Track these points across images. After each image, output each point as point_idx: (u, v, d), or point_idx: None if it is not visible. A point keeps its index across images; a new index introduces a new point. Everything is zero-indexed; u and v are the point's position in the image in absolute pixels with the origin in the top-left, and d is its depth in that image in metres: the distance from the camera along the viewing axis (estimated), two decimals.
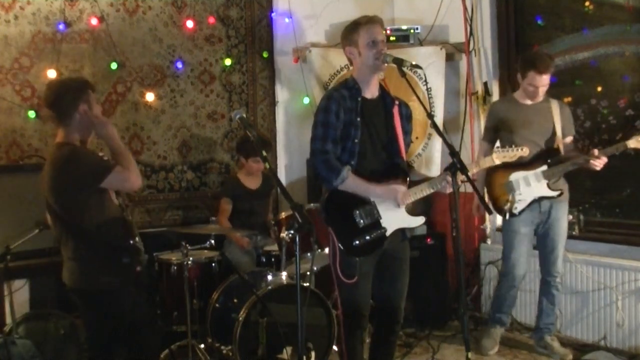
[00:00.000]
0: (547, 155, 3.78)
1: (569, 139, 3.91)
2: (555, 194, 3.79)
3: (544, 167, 3.76)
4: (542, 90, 3.79)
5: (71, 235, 2.77)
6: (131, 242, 2.85)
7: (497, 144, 3.96)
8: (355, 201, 2.92)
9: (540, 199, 3.80)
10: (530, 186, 3.78)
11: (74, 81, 2.97)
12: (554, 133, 3.83)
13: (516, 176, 3.80)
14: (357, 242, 2.89)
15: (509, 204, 3.81)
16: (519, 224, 3.86)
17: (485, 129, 4.13)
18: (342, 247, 2.90)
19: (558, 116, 3.84)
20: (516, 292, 4.06)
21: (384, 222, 2.95)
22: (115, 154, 2.81)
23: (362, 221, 2.91)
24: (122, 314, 2.82)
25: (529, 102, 3.87)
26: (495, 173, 3.84)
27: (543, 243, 3.96)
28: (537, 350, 4.08)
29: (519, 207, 3.80)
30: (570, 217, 4.29)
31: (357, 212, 2.91)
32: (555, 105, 3.87)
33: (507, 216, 3.84)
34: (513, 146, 3.27)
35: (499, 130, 3.95)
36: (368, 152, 2.97)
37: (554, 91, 4.52)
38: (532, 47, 4.66)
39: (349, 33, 2.98)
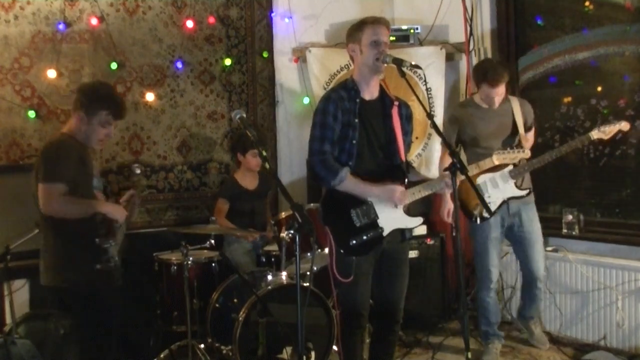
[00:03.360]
0: None
1: (531, 133, 3.95)
2: (524, 193, 3.77)
3: (510, 167, 3.74)
4: (498, 99, 3.79)
5: (44, 226, 2.83)
6: (96, 240, 2.86)
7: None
8: (352, 201, 2.92)
9: (509, 199, 3.78)
10: (498, 187, 3.75)
11: (120, 99, 3.06)
12: (515, 132, 3.83)
13: (483, 179, 3.76)
14: (354, 241, 2.90)
15: (478, 208, 3.79)
16: (490, 228, 3.84)
17: (445, 132, 3.96)
18: (338, 247, 2.90)
19: (519, 114, 3.84)
20: (496, 298, 4.03)
21: (381, 222, 2.95)
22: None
23: (359, 221, 2.91)
24: (96, 314, 2.83)
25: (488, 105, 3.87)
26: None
27: (521, 248, 3.97)
28: (517, 328, 4.26)
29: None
30: (570, 217, 4.31)
31: (354, 212, 2.91)
32: (515, 104, 3.87)
33: (478, 220, 3.82)
34: (514, 147, 3.29)
35: (460, 134, 3.91)
36: (366, 153, 2.97)
37: (554, 91, 4.54)
38: (532, 47, 4.66)
39: (354, 31, 2.99)
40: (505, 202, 3.79)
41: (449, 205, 3.87)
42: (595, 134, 3.65)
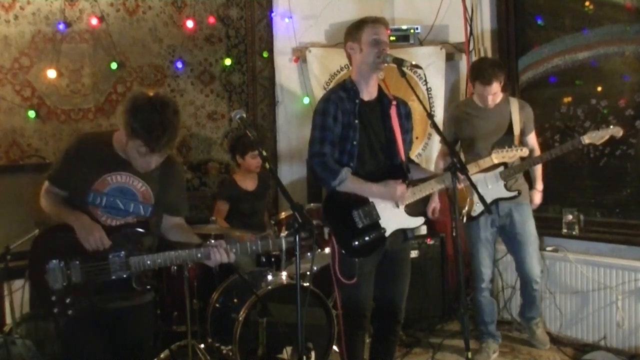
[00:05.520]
0: None
1: (531, 137, 3.93)
2: (512, 194, 3.74)
3: (502, 168, 3.71)
4: (492, 97, 3.77)
5: None
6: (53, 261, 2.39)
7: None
8: (354, 202, 2.92)
9: (498, 200, 3.76)
10: (487, 188, 3.71)
11: (158, 131, 2.35)
12: (510, 133, 3.80)
13: (475, 178, 3.72)
14: (356, 243, 2.89)
15: (467, 207, 3.78)
16: (479, 229, 3.85)
17: (444, 131, 3.96)
18: (341, 248, 2.90)
19: (517, 116, 3.82)
20: (490, 298, 4.02)
21: (383, 223, 2.94)
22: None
23: (360, 222, 2.91)
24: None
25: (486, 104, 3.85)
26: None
27: (513, 248, 3.98)
28: (517, 328, 4.25)
29: (477, 209, 3.75)
30: (570, 217, 4.30)
31: (356, 213, 2.91)
32: (515, 106, 3.85)
33: (465, 220, 3.81)
34: (513, 146, 3.29)
35: (458, 133, 3.92)
36: (366, 154, 2.97)
37: (554, 91, 4.54)
38: (532, 47, 4.66)
39: (354, 29, 2.99)
40: (495, 203, 3.77)
41: (434, 203, 3.85)
42: (587, 139, 3.60)
